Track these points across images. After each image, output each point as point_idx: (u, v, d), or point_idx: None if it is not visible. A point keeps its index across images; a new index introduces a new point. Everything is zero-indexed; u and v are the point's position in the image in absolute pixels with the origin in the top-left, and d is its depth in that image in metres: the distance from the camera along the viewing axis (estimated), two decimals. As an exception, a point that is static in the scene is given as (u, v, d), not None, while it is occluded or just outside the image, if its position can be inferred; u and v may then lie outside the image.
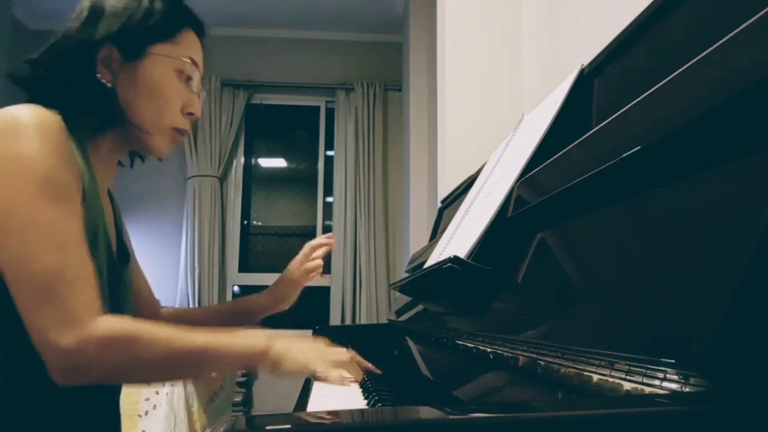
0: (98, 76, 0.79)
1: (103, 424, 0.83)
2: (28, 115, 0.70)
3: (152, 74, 0.81)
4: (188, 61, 0.84)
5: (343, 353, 0.81)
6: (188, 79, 0.85)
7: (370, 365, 0.86)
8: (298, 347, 0.77)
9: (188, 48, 0.85)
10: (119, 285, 0.85)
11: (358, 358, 0.86)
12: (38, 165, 0.69)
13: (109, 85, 0.79)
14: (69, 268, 0.68)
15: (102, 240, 0.79)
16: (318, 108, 4.14)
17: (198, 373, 0.78)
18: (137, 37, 0.80)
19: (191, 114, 0.87)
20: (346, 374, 0.78)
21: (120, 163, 0.94)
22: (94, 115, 0.80)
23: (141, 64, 0.81)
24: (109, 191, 0.93)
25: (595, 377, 0.41)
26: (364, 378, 0.86)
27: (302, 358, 0.75)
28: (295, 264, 1.15)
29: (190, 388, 2.43)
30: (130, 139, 0.84)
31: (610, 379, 0.39)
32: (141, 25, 0.80)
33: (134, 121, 0.82)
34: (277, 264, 4.04)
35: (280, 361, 0.74)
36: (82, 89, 0.79)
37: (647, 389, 0.35)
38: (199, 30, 0.89)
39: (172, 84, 0.83)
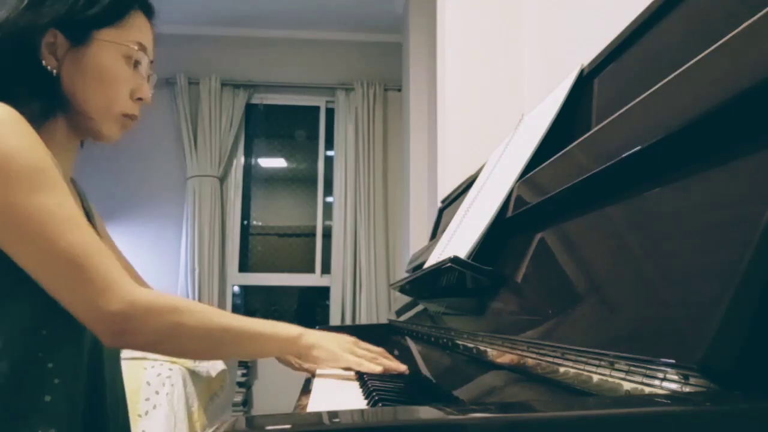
0: (43, 62, 0.78)
1: (108, 412, 0.83)
2: None
3: (99, 61, 0.80)
4: (136, 46, 0.83)
5: (369, 346, 0.85)
6: (136, 63, 0.84)
7: (399, 363, 0.88)
8: (330, 338, 0.82)
9: (136, 32, 0.84)
10: None
11: (387, 354, 0.88)
12: (23, 158, 0.69)
13: (54, 71, 0.79)
14: (91, 243, 0.71)
15: None
16: (318, 108, 4.15)
17: (234, 352, 0.83)
18: (83, 23, 0.79)
19: (140, 99, 0.86)
20: (377, 366, 0.81)
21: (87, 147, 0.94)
22: (40, 102, 0.79)
23: (87, 50, 0.80)
24: (73, 179, 0.93)
25: (595, 377, 0.41)
26: (365, 378, 0.86)
27: (334, 348, 0.79)
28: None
29: (190, 388, 2.43)
30: (78, 126, 0.83)
31: (610, 379, 0.39)
32: (86, 10, 0.79)
33: (80, 108, 0.81)
34: (277, 264, 4.04)
35: (311, 350, 0.79)
36: (27, 76, 0.78)
37: (647, 389, 0.35)
38: (148, 11, 0.87)
39: (120, 70, 0.82)
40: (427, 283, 0.99)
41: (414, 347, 1.09)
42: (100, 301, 0.69)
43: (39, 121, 0.79)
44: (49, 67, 0.78)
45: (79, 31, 0.79)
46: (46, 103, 0.79)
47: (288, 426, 0.28)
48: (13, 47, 0.78)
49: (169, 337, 0.74)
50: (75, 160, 0.89)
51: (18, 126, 0.71)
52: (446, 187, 1.64)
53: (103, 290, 0.69)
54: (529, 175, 0.69)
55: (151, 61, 0.89)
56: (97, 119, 0.82)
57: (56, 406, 0.73)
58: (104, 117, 0.82)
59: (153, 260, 3.77)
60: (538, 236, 0.62)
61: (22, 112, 0.75)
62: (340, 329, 1.63)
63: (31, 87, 0.78)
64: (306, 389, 0.84)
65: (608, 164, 0.48)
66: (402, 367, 0.85)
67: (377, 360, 0.83)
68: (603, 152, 0.51)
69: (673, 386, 0.33)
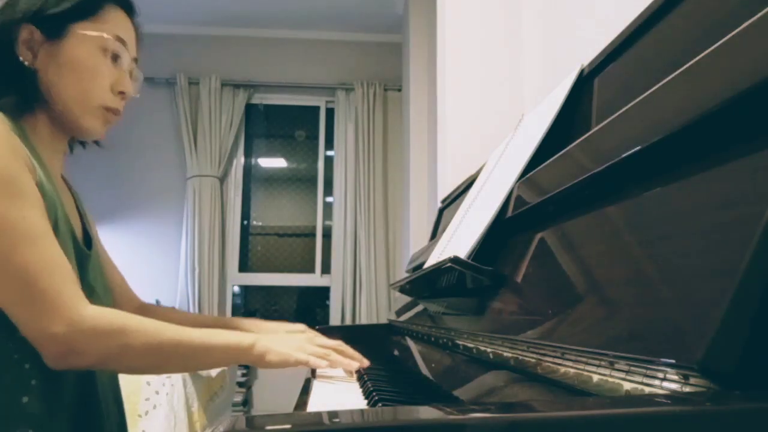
0: (20, 58, 0.79)
1: (88, 413, 0.83)
2: None
3: (74, 53, 0.80)
4: (111, 38, 0.83)
5: (324, 341, 0.84)
6: (115, 57, 0.84)
7: (356, 354, 0.87)
8: (281, 341, 0.81)
9: (112, 25, 0.84)
10: (90, 270, 0.86)
11: (344, 347, 0.87)
12: None
13: (31, 66, 0.79)
14: (45, 261, 0.70)
15: (64, 228, 0.79)
16: (318, 108, 4.15)
17: (186, 366, 0.83)
18: (57, 17, 0.80)
19: (122, 93, 0.86)
20: (329, 362, 0.80)
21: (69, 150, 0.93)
22: (17, 96, 0.79)
23: (63, 43, 0.80)
24: (64, 178, 0.92)
25: (595, 377, 0.41)
26: (361, 372, 0.86)
27: (285, 350, 0.78)
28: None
29: (190, 388, 2.43)
30: (60, 121, 0.83)
31: (610, 379, 0.39)
32: (59, 4, 0.80)
33: (58, 102, 0.81)
34: (277, 264, 4.04)
35: (264, 355, 0.78)
36: (4, 71, 0.79)
37: (647, 389, 0.35)
38: (127, 7, 0.88)
39: (95, 62, 0.82)
40: (427, 283, 0.99)
41: (414, 347, 1.09)
42: (43, 321, 0.68)
43: (18, 115, 0.80)
44: (26, 63, 0.79)
45: (54, 25, 0.80)
46: (23, 97, 0.80)
47: (288, 426, 0.28)
48: None
49: (113, 358, 0.74)
50: (63, 159, 0.89)
51: None
52: (446, 187, 1.64)
53: (47, 311, 0.68)
54: (529, 175, 0.69)
55: (135, 59, 0.89)
56: (74, 112, 0.82)
57: (34, 407, 0.73)
58: (82, 110, 0.82)
59: (153, 260, 3.77)
60: (538, 236, 0.62)
61: (3, 106, 0.76)
62: (340, 329, 1.63)
63: (7, 81, 0.79)
64: (306, 389, 0.84)
65: (608, 164, 0.48)
66: (354, 365, 0.84)
67: (329, 356, 0.82)
68: (603, 152, 0.51)
69: (673, 386, 0.33)
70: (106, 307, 0.76)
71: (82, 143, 0.95)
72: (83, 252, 0.84)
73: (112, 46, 0.83)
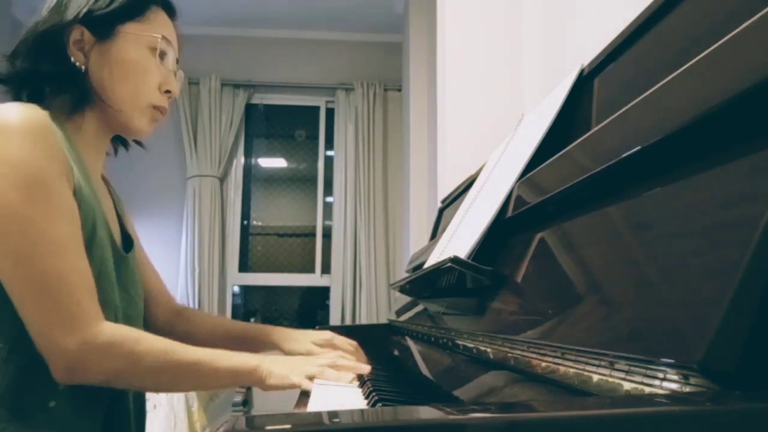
0: (72, 59, 0.80)
1: (117, 416, 0.83)
2: (14, 115, 0.70)
3: (125, 53, 0.82)
4: (160, 37, 0.85)
5: (321, 361, 0.84)
6: (162, 56, 0.86)
7: (357, 365, 0.87)
8: (282, 363, 0.82)
9: (159, 26, 0.86)
10: (126, 272, 0.86)
11: (342, 359, 0.86)
12: (27, 168, 0.69)
13: (82, 67, 0.81)
14: (67, 273, 0.70)
15: (102, 229, 0.80)
16: (318, 108, 4.15)
17: (192, 386, 0.83)
18: (106, 18, 0.81)
19: (168, 92, 0.88)
20: (325, 380, 0.80)
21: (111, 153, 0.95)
22: (69, 96, 0.81)
23: (112, 43, 0.82)
24: (104, 177, 0.93)
25: (595, 377, 0.41)
26: (365, 378, 0.86)
27: (283, 372, 0.79)
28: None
29: (190, 388, 2.43)
30: (109, 120, 0.85)
31: (610, 379, 0.39)
32: (108, 6, 0.81)
33: (110, 102, 0.83)
34: (277, 264, 4.04)
35: (266, 379, 0.79)
36: (56, 73, 0.80)
37: (647, 389, 0.35)
38: (169, 9, 0.90)
39: (145, 61, 0.84)
40: (427, 283, 0.99)
41: (414, 347, 1.09)
42: (56, 334, 0.68)
43: (66, 115, 0.81)
44: (77, 63, 0.80)
45: (103, 26, 0.81)
46: (75, 97, 0.81)
47: (288, 426, 0.28)
48: (43, 47, 0.80)
49: (119, 377, 0.74)
50: (105, 159, 0.91)
51: (28, 132, 0.70)
52: (446, 187, 1.64)
53: (61, 324, 0.68)
54: (529, 175, 0.69)
55: (177, 59, 0.91)
56: (125, 111, 0.84)
57: (61, 412, 0.73)
58: (133, 108, 0.84)
59: (153, 260, 3.76)
60: (538, 236, 0.62)
61: (51, 106, 0.77)
62: (340, 329, 1.63)
63: (60, 83, 0.80)
64: (306, 390, 0.84)
65: (608, 164, 0.48)
66: (348, 377, 0.82)
67: (323, 373, 0.81)
68: (603, 152, 0.51)
69: (673, 386, 0.33)
70: (121, 325, 0.75)
71: (125, 144, 0.97)
72: (120, 254, 0.85)
73: (161, 45, 0.85)
